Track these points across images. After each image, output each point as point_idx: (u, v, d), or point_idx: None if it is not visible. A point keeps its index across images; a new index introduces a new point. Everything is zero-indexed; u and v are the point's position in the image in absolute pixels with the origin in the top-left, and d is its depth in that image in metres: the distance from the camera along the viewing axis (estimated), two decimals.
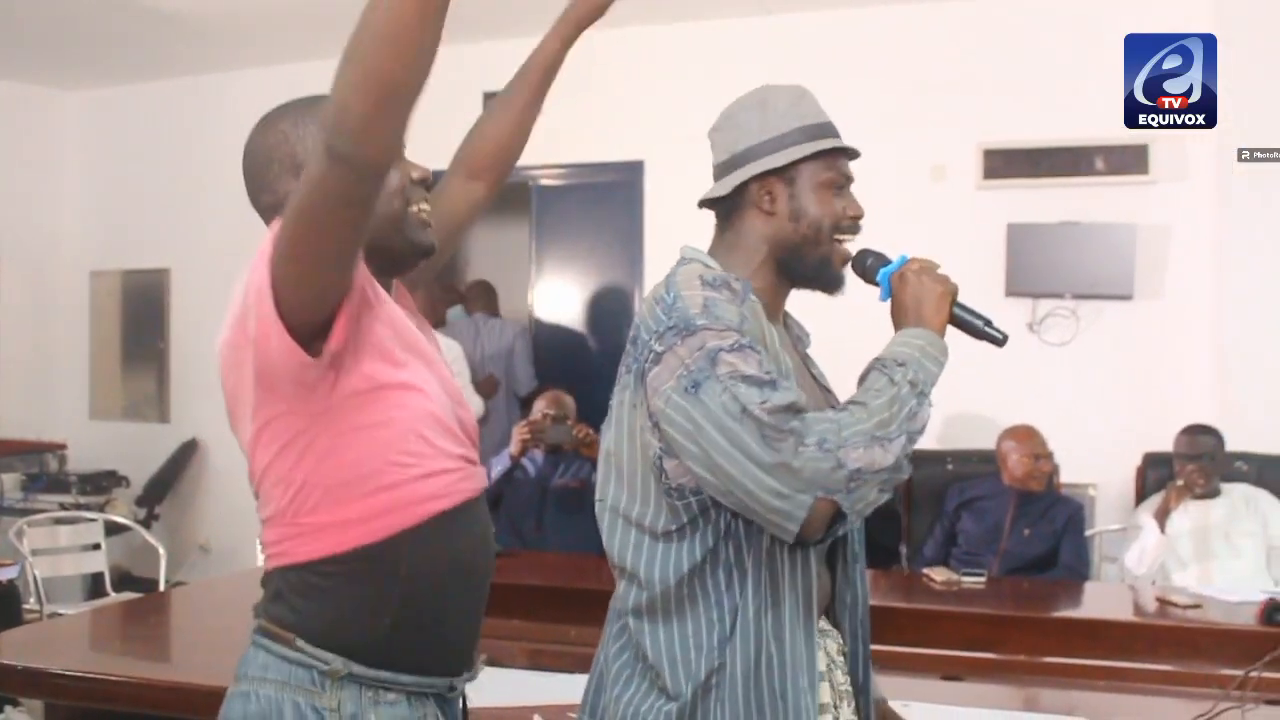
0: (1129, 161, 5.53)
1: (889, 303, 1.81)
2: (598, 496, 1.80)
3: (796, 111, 1.83)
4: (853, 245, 1.86)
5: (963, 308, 1.80)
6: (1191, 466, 4.59)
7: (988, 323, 1.81)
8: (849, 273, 1.88)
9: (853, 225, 1.84)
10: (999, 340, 1.81)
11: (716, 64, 6.26)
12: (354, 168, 1.39)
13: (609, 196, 6.62)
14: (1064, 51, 5.60)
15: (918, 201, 5.57)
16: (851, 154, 1.85)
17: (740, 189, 1.83)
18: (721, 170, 1.87)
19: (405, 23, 1.34)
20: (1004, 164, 5.75)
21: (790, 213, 1.81)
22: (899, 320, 1.78)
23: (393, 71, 1.36)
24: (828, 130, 1.83)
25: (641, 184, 6.53)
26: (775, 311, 1.85)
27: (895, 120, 5.54)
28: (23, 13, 6.24)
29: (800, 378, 1.80)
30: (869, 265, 1.86)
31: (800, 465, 1.56)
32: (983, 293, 5.83)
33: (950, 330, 1.79)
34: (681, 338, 1.63)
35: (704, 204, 1.90)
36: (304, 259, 1.47)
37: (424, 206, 1.70)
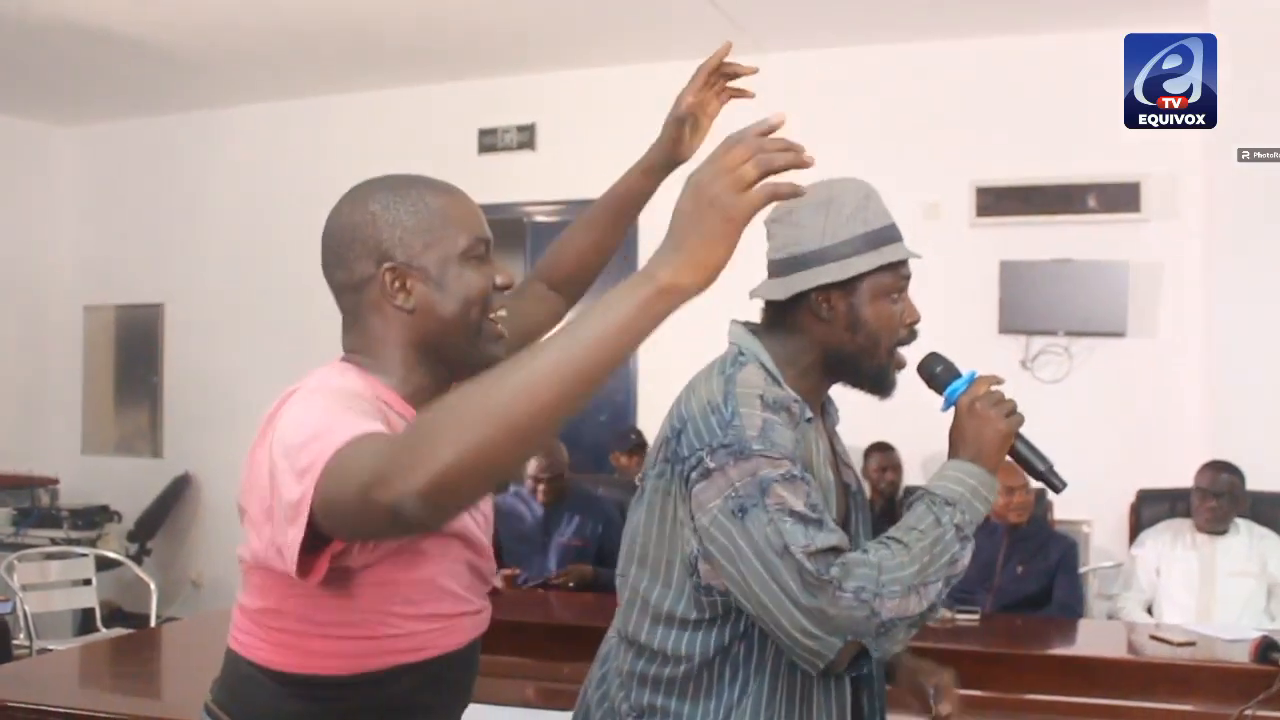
0: (1121, 199, 5.57)
1: (948, 414, 1.77)
2: (619, 571, 1.80)
3: (861, 216, 1.76)
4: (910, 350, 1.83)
5: (1026, 444, 1.77)
6: (1212, 502, 4.59)
7: (1050, 468, 1.77)
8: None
9: (910, 333, 1.80)
10: (1058, 488, 1.77)
11: None
12: (410, 527, 1.22)
13: None
14: (1057, 91, 5.65)
15: (911, 238, 5.47)
16: (914, 257, 1.80)
17: (798, 293, 1.77)
18: (779, 268, 1.80)
19: (544, 421, 1.17)
20: (997, 201, 5.80)
21: (848, 322, 1.76)
22: (956, 448, 1.74)
23: (507, 461, 1.17)
24: (891, 235, 1.78)
25: (636, 222, 6.52)
26: (816, 404, 1.82)
27: (889, 158, 5.57)
28: (18, 49, 6.27)
29: (827, 471, 1.78)
30: (937, 374, 1.82)
31: (835, 613, 1.56)
32: (976, 329, 5.89)
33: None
34: (735, 459, 1.61)
35: (756, 297, 1.84)
36: (338, 531, 1.34)
37: (502, 314, 1.60)
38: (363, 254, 1.54)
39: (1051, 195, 5.70)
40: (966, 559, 1.66)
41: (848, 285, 1.75)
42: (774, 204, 1.77)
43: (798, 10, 5.72)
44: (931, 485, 1.70)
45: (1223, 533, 4.63)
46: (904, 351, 1.81)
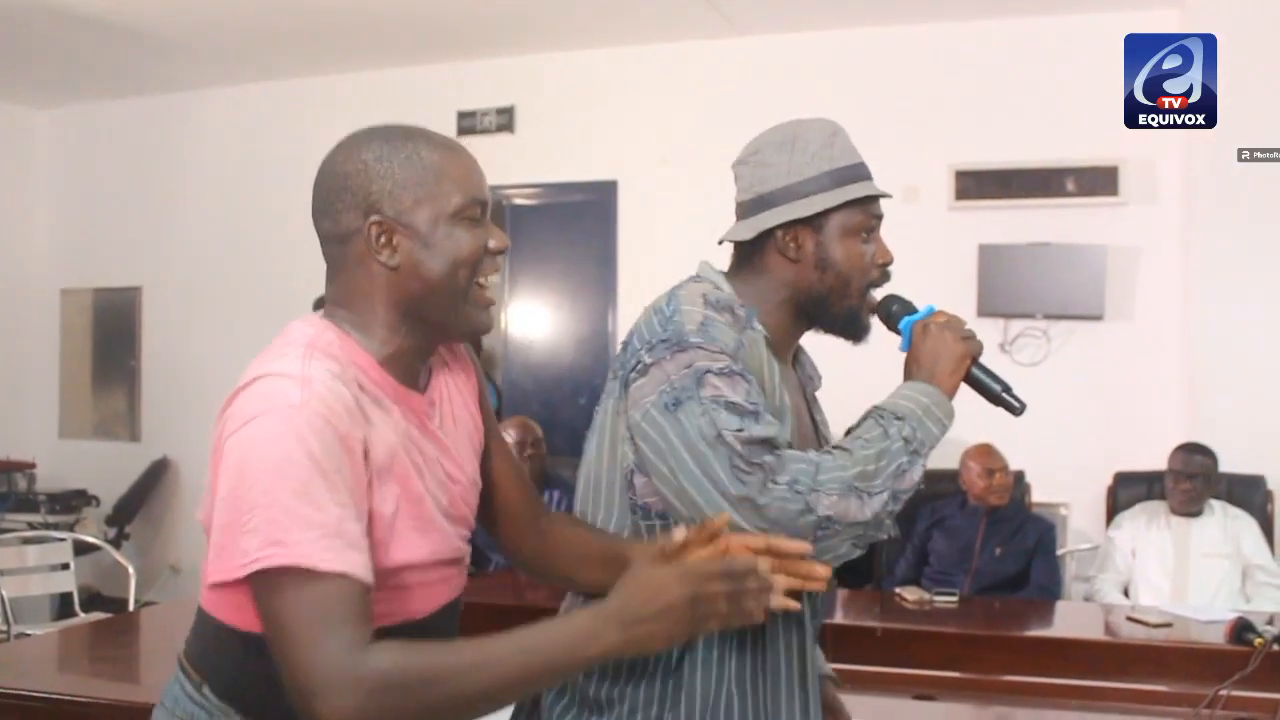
0: (1099, 183, 5.58)
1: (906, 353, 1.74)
2: (576, 506, 1.76)
3: (827, 154, 1.73)
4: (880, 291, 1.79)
5: (982, 369, 1.72)
6: (1186, 484, 4.63)
7: (1006, 388, 1.72)
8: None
9: (882, 274, 1.77)
10: (1016, 409, 1.72)
11: (689, 85, 6.34)
12: None
13: (582, 216, 6.64)
14: (1036, 75, 5.67)
15: (890, 222, 5.45)
16: (886, 198, 1.78)
17: (765, 232, 1.74)
18: (745, 209, 1.77)
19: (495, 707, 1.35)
20: (976, 185, 5.81)
21: (816, 261, 1.72)
22: (911, 372, 1.70)
23: None
24: (859, 173, 1.74)
25: (615, 203, 6.56)
26: (784, 349, 1.78)
27: (868, 141, 5.44)
28: None
29: (799, 420, 1.73)
30: (894, 312, 1.78)
31: (766, 503, 1.51)
32: (954, 312, 5.84)
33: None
34: (672, 352, 1.58)
35: (724, 241, 1.82)
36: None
37: (493, 280, 1.54)
38: (350, 205, 1.47)
39: (1030, 179, 5.70)
40: (916, 474, 1.60)
41: (815, 223, 1.72)
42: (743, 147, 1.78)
43: None
44: (881, 403, 1.65)
45: (1197, 514, 4.67)
46: (877, 296, 1.79)
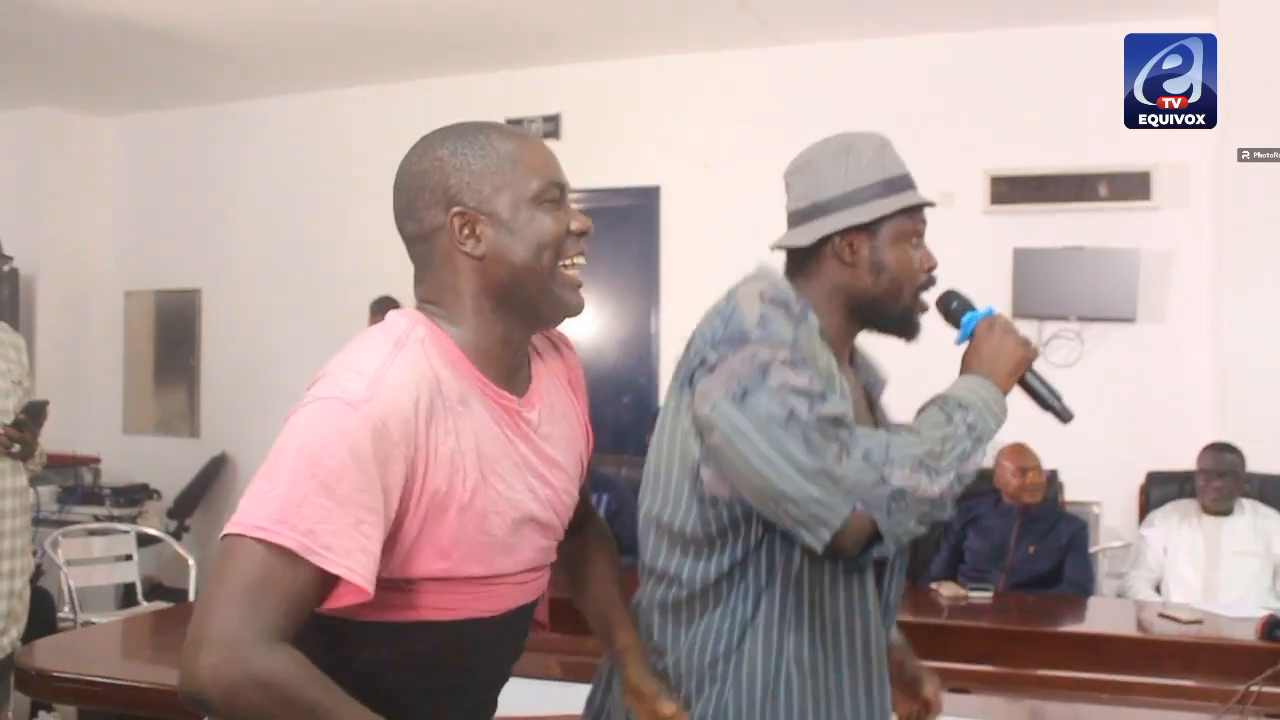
0: (1132, 187, 5.60)
1: (962, 346, 1.80)
2: (642, 507, 1.79)
3: (879, 163, 1.79)
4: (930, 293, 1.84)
5: (1036, 376, 1.78)
6: (1217, 482, 4.67)
7: (1057, 396, 1.78)
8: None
9: (929, 279, 1.82)
10: (1065, 417, 1.78)
11: (731, 92, 6.39)
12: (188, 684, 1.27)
13: (626, 220, 6.69)
14: (1069, 82, 5.67)
15: (927, 226, 5.61)
16: (929, 204, 1.83)
17: (821, 238, 1.79)
18: (800, 216, 1.82)
19: None
20: (1010, 190, 5.84)
21: (871, 265, 1.78)
22: (970, 366, 1.75)
23: None
24: (908, 182, 1.81)
25: (658, 208, 6.63)
26: (840, 349, 1.81)
27: (904, 147, 5.48)
28: (61, 42, 6.39)
29: (859, 414, 1.77)
30: (954, 308, 1.83)
31: (843, 473, 1.55)
32: None
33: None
34: (735, 348, 1.61)
35: (779, 248, 1.86)
36: None
37: (579, 261, 1.54)
38: (431, 202, 1.47)
39: (1064, 184, 5.73)
40: (978, 459, 1.65)
41: (870, 229, 1.77)
42: (794, 158, 1.85)
43: (816, 2, 5.77)
44: (945, 393, 1.71)
45: (1228, 513, 4.69)
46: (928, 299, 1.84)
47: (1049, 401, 1.78)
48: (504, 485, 1.47)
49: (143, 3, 5.76)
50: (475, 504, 1.43)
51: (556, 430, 1.60)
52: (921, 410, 1.70)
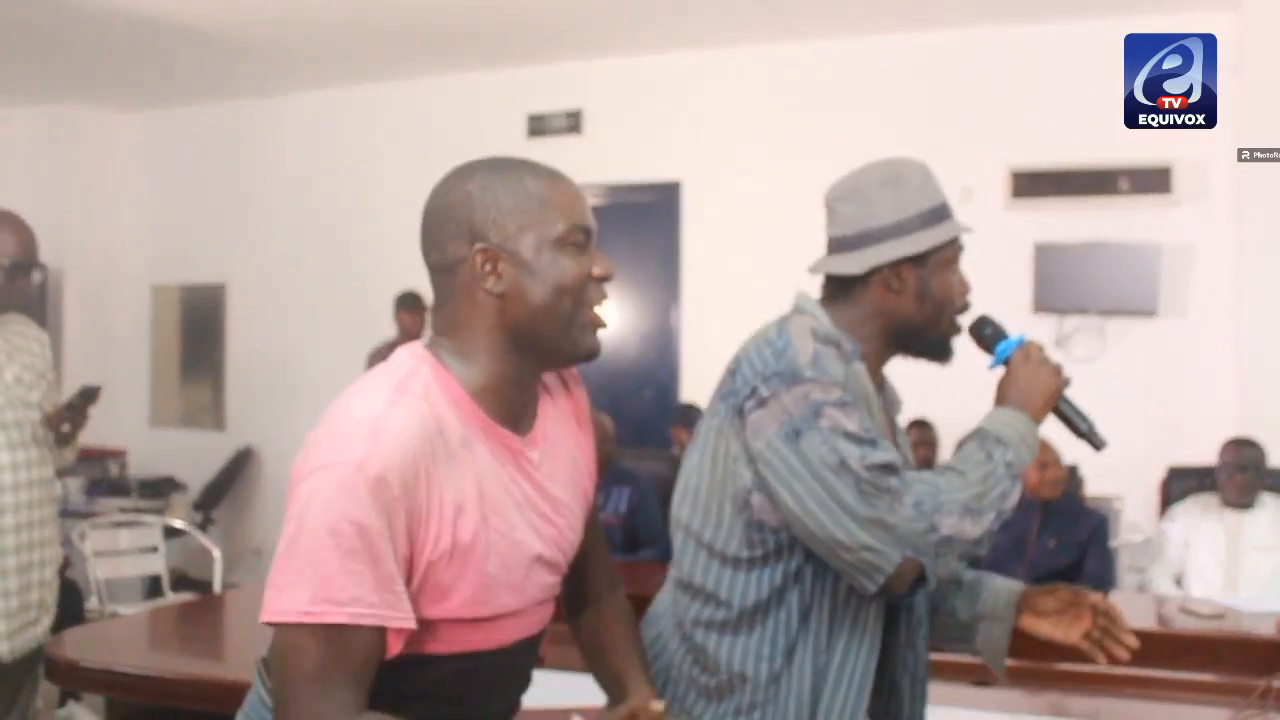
0: (1153, 182, 5.60)
1: (996, 370, 1.83)
2: (673, 514, 1.82)
3: (926, 193, 1.81)
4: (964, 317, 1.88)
5: (1069, 404, 1.81)
6: (1239, 477, 4.66)
7: (1090, 427, 1.82)
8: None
9: (966, 304, 1.85)
10: (1097, 445, 1.83)
11: (751, 88, 6.40)
12: None
13: (647, 215, 6.71)
14: (1090, 76, 5.62)
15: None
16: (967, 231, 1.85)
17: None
18: (846, 243, 1.83)
19: None
20: (1031, 185, 5.84)
21: (917, 294, 1.80)
22: (1005, 396, 1.78)
23: None
24: (947, 210, 1.83)
25: (679, 203, 6.64)
26: (877, 376, 1.85)
27: (925, 142, 5.48)
28: (85, 39, 6.45)
29: (882, 417, 1.82)
30: (987, 335, 1.86)
31: (895, 522, 1.59)
32: (1011, 309, 5.86)
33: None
34: (788, 385, 1.64)
35: (822, 272, 1.87)
36: None
37: (599, 308, 1.52)
38: (456, 234, 1.46)
39: (1085, 178, 5.73)
40: (1015, 497, 1.68)
41: (919, 259, 1.79)
42: (835, 183, 1.87)
43: None
44: (983, 427, 1.74)
45: (1249, 507, 4.67)
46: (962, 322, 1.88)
47: (1081, 429, 1.82)
48: (506, 526, 1.48)
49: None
50: (476, 547, 1.44)
51: (559, 468, 1.59)
52: (961, 445, 1.73)
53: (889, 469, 1.61)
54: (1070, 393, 1.83)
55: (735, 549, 1.73)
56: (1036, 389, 1.76)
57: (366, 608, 1.32)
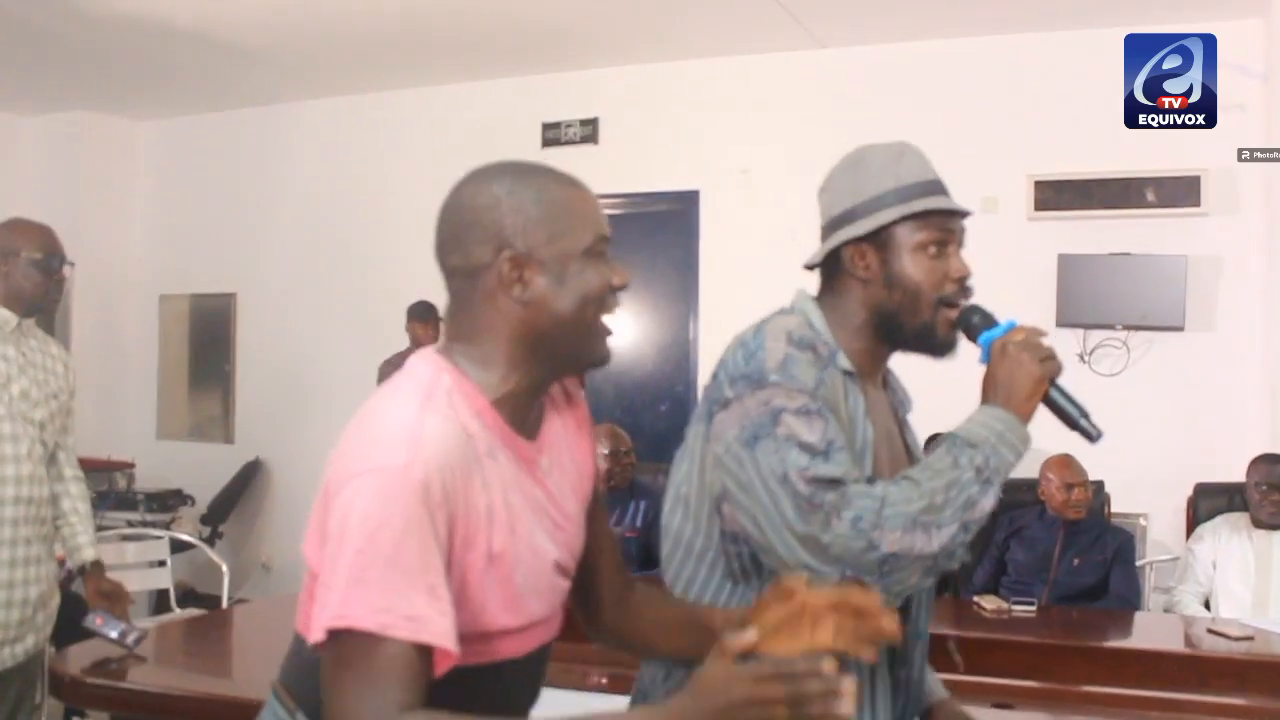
0: (1181, 193, 5.52)
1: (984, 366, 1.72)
2: (664, 522, 1.78)
3: (891, 171, 1.73)
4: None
5: (1061, 392, 1.68)
6: (1276, 496, 4.58)
7: (1083, 414, 1.69)
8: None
9: (959, 290, 1.73)
10: (1092, 436, 1.69)
11: (770, 97, 6.38)
12: None
13: (664, 225, 6.68)
14: (1115, 85, 5.60)
15: (970, 233, 5.53)
16: (961, 213, 1.75)
17: (835, 254, 1.75)
18: (823, 233, 1.78)
19: None
20: (1055, 195, 5.78)
21: (885, 278, 1.72)
22: (987, 394, 1.67)
23: None
24: (928, 189, 1.73)
25: (696, 213, 6.61)
26: (873, 373, 1.78)
27: (946, 152, 5.46)
28: (96, 46, 6.44)
29: (890, 444, 1.76)
30: (973, 324, 1.73)
31: (829, 541, 1.52)
32: (1033, 323, 5.78)
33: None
34: (752, 389, 1.60)
35: (808, 267, 1.83)
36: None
37: (609, 316, 1.52)
38: (482, 239, 1.45)
39: (1110, 189, 5.66)
40: (988, 504, 1.58)
41: (878, 240, 1.71)
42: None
43: (857, 6, 5.75)
44: (956, 428, 1.64)
45: (1278, 527, 4.63)
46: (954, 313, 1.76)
47: (1074, 419, 1.69)
48: (528, 534, 1.48)
49: (178, 6, 5.79)
50: (506, 556, 1.44)
51: (564, 474, 1.59)
52: (930, 446, 1.68)
53: (831, 483, 1.54)
54: (1063, 380, 1.70)
55: (712, 558, 1.71)
56: (1018, 382, 1.63)
57: (403, 619, 1.30)
